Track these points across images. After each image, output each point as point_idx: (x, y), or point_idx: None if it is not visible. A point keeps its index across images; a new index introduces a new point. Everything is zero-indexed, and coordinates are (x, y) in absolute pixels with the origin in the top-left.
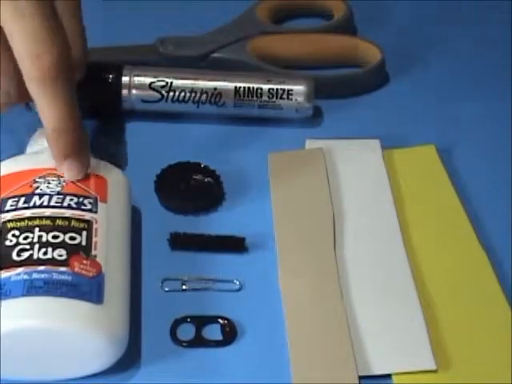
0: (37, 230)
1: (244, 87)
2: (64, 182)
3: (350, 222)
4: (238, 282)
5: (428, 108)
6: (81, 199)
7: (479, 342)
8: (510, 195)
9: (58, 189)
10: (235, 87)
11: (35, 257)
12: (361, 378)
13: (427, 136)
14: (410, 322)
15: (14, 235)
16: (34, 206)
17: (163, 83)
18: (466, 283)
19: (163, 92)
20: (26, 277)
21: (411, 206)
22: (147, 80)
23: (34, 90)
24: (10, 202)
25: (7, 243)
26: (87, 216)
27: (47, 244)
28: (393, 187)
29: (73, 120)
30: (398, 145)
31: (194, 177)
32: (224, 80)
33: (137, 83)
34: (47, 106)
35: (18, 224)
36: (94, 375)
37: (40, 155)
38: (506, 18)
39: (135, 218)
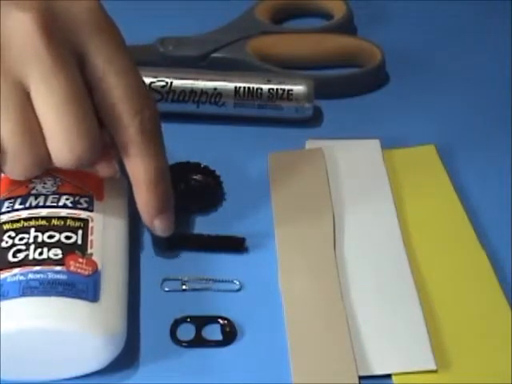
0: (32, 230)
1: (244, 87)
2: (60, 181)
3: (350, 222)
4: (237, 282)
5: (428, 108)
6: (76, 198)
7: (479, 342)
8: (510, 195)
9: (54, 188)
10: (235, 87)
11: (31, 257)
12: (361, 378)
13: (427, 136)
14: (410, 321)
15: (9, 236)
16: (30, 207)
17: (163, 83)
18: (465, 283)
19: (163, 92)
20: (21, 278)
21: (411, 205)
22: (147, 80)
23: (130, 145)
24: (6, 203)
25: (3, 245)
26: (83, 215)
27: (43, 244)
28: (393, 187)
29: (167, 171)
30: (398, 145)
31: (194, 177)
32: (224, 80)
33: None
34: (145, 159)
35: (14, 225)
36: (93, 374)
37: None
38: (505, 18)
39: (135, 218)
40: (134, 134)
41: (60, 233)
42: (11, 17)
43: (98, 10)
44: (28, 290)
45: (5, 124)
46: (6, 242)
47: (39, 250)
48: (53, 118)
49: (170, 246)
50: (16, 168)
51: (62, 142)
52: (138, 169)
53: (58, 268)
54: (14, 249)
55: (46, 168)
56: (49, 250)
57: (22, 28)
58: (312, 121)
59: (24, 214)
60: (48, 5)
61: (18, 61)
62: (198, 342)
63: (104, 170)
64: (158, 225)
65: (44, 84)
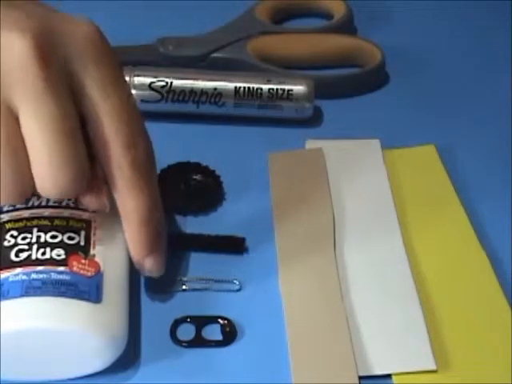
0: (35, 230)
1: (244, 87)
2: None
3: (350, 222)
4: (237, 282)
5: (428, 108)
6: None
7: (479, 342)
8: (510, 195)
9: None
10: (235, 87)
11: (34, 257)
12: (361, 378)
13: (427, 136)
14: (410, 321)
15: (12, 236)
16: (33, 207)
17: (163, 83)
18: (466, 283)
19: (163, 92)
20: (24, 277)
21: (411, 205)
22: (147, 80)
23: (121, 181)
24: None
25: (5, 244)
26: (85, 215)
27: (45, 244)
28: (393, 187)
29: (159, 210)
30: (398, 145)
31: (194, 177)
32: (224, 80)
33: (137, 83)
34: (136, 196)
35: (17, 224)
36: (94, 375)
37: None
38: (506, 18)
39: None
40: (126, 170)
41: (63, 233)
42: (9, 36)
43: (98, 37)
44: (31, 289)
45: None
46: (9, 242)
47: (42, 250)
48: (38, 145)
49: (169, 247)
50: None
51: (46, 170)
52: (129, 206)
53: (61, 268)
54: (17, 248)
55: (29, 195)
56: (51, 250)
57: (18, 49)
58: (312, 121)
59: (26, 213)
60: (48, 28)
61: (9, 81)
62: (198, 341)
63: (92, 203)
64: (147, 265)
65: (33, 108)
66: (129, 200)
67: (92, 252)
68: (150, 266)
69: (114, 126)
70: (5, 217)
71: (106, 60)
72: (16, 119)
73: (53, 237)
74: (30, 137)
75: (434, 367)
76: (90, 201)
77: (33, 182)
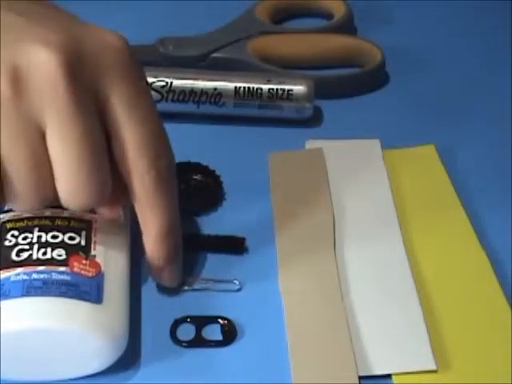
0: (36, 230)
1: (244, 87)
2: None
3: (350, 222)
4: (237, 282)
5: (428, 108)
6: None
7: (479, 342)
8: (510, 195)
9: None
10: (235, 87)
11: (34, 257)
12: (361, 378)
13: (427, 136)
14: (410, 322)
15: (13, 235)
16: None
17: (163, 83)
18: (466, 283)
19: (163, 92)
20: (25, 277)
21: (411, 205)
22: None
23: (144, 195)
24: None
25: (6, 243)
26: (87, 216)
27: (46, 244)
28: (393, 187)
29: (179, 223)
30: (398, 145)
31: (194, 177)
32: (224, 80)
33: None
34: (157, 211)
35: (17, 224)
36: (94, 375)
37: None
38: (506, 18)
39: (135, 218)
40: (149, 185)
41: (64, 233)
42: (37, 52)
43: (126, 52)
44: (32, 289)
45: (15, 157)
46: (10, 241)
47: (43, 250)
48: (63, 161)
49: None
50: (19, 202)
51: (70, 187)
52: (150, 220)
53: (62, 268)
54: (18, 248)
55: (47, 204)
56: (52, 250)
57: (46, 67)
58: (312, 121)
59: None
60: (75, 43)
61: (37, 99)
62: (198, 341)
63: (106, 213)
64: (165, 276)
65: (59, 128)
66: (151, 214)
67: (93, 252)
68: (168, 277)
69: (140, 142)
70: (6, 216)
71: (132, 75)
72: (42, 133)
73: (54, 237)
74: (56, 153)
75: (433, 367)
76: (105, 211)
77: (53, 193)
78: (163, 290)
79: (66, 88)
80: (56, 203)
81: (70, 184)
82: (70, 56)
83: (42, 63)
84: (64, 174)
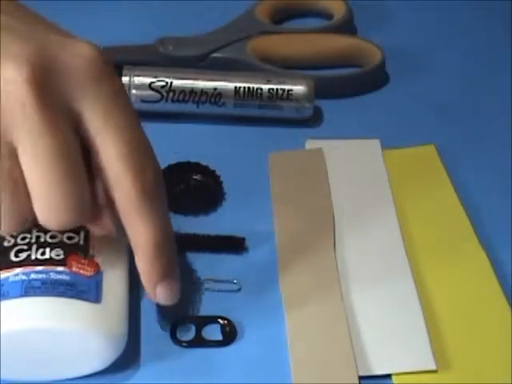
0: (35, 230)
1: (244, 87)
2: None
3: (350, 222)
4: (237, 282)
5: (428, 108)
6: None
7: (479, 342)
8: (510, 195)
9: None
10: (235, 87)
11: (33, 257)
12: (361, 378)
13: (427, 136)
14: (410, 322)
15: (11, 236)
16: None
17: (163, 83)
18: (465, 283)
19: (163, 92)
20: (23, 277)
21: (411, 205)
22: (147, 80)
23: (131, 209)
24: None
25: (5, 244)
26: None
27: (45, 244)
28: (393, 187)
29: (171, 233)
30: (398, 145)
31: (194, 177)
32: (224, 80)
33: (137, 83)
34: (146, 224)
35: None
36: (94, 375)
37: None
38: (506, 18)
39: None
40: (136, 197)
41: (62, 233)
42: (5, 68)
43: (98, 62)
44: (30, 289)
45: None
46: (9, 241)
47: (41, 250)
48: (37, 181)
49: None
50: None
51: (46, 205)
52: (140, 234)
53: (61, 268)
54: (16, 248)
55: (30, 225)
56: (51, 251)
57: (13, 84)
58: (312, 121)
59: None
60: (45, 57)
61: (7, 117)
62: (198, 341)
63: (97, 230)
64: (160, 292)
65: (31, 146)
66: (139, 229)
67: (91, 252)
68: (163, 292)
69: (121, 153)
70: None
71: (106, 85)
72: (15, 153)
73: (52, 237)
74: (30, 172)
75: (433, 367)
76: (94, 228)
77: (33, 213)
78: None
79: (34, 105)
80: (37, 223)
81: (47, 203)
82: (38, 71)
83: (10, 80)
84: (39, 194)
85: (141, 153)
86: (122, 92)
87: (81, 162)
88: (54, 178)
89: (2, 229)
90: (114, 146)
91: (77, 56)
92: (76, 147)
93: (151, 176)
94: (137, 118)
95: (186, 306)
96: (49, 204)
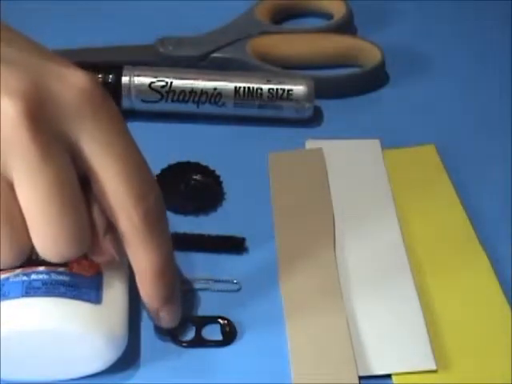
0: None
1: (244, 87)
2: None
3: (350, 222)
4: (237, 282)
5: (428, 108)
6: None
7: (479, 342)
8: (510, 195)
9: None
10: (235, 87)
11: (34, 257)
12: (361, 378)
13: (427, 136)
14: (410, 322)
15: None
16: None
17: (163, 83)
18: (465, 283)
19: (163, 92)
20: (24, 278)
21: (411, 205)
22: (147, 80)
23: (133, 235)
24: None
25: None
26: None
27: None
28: (393, 187)
29: (172, 259)
30: (398, 145)
31: (194, 177)
32: (224, 80)
33: (137, 83)
34: (149, 249)
35: None
36: (94, 375)
37: None
38: (506, 18)
39: None
40: (138, 223)
41: None
42: (1, 103)
43: (93, 92)
44: (31, 290)
45: None
46: None
47: None
48: (34, 212)
49: None
50: None
51: (45, 237)
52: (142, 259)
53: (61, 269)
54: None
55: (27, 256)
56: None
57: (8, 116)
58: (312, 121)
59: None
60: (40, 87)
61: (1, 150)
62: (198, 342)
63: (98, 258)
64: (164, 315)
65: (27, 178)
66: (142, 254)
67: None
68: (166, 317)
69: (121, 180)
70: None
71: (103, 113)
72: (11, 185)
73: None
74: (26, 203)
75: (433, 367)
76: (95, 257)
77: (31, 246)
78: None
79: (30, 138)
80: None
81: (45, 235)
82: (33, 104)
83: (4, 114)
84: (37, 227)
85: (141, 178)
86: (119, 119)
87: (79, 192)
88: (52, 210)
89: (1, 262)
90: (115, 174)
91: (73, 87)
92: (73, 178)
93: (153, 200)
94: (134, 143)
95: (186, 306)
96: (47, 236)
